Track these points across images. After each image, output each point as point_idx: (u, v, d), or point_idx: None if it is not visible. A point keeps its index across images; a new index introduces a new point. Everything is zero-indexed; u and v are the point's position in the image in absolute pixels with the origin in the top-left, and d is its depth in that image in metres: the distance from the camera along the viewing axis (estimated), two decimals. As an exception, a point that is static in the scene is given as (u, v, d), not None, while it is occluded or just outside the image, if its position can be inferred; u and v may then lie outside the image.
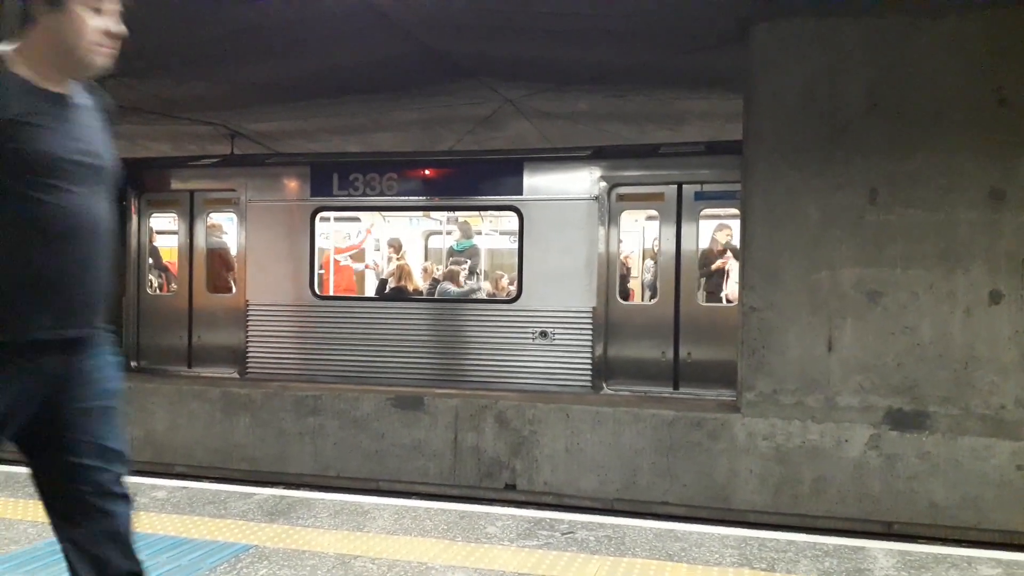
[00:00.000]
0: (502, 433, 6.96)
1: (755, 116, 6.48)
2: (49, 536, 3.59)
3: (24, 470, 4.95)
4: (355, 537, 3.67)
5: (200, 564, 3.32)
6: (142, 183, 9.16)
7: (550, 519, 3.98)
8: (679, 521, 4.75)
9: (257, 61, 7.83)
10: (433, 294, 8.80)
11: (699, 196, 7.72)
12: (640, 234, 10.52)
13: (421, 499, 4.86)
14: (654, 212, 8.14)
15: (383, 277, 9.26)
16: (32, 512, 4.05)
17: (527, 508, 5.10)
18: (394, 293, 8.85)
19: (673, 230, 7.75)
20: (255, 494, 4.50)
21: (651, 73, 8.09)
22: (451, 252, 9.61)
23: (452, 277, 8.94)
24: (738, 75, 6.79)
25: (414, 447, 7.11)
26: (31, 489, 4.68)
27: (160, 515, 4.04)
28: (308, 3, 6.30)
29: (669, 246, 7.77)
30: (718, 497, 6.39)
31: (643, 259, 10.17)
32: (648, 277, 8.23)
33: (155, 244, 9.74)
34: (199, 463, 7.48)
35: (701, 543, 3.63)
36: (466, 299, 8.67)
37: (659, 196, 7.85)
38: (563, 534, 3.71)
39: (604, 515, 4.49)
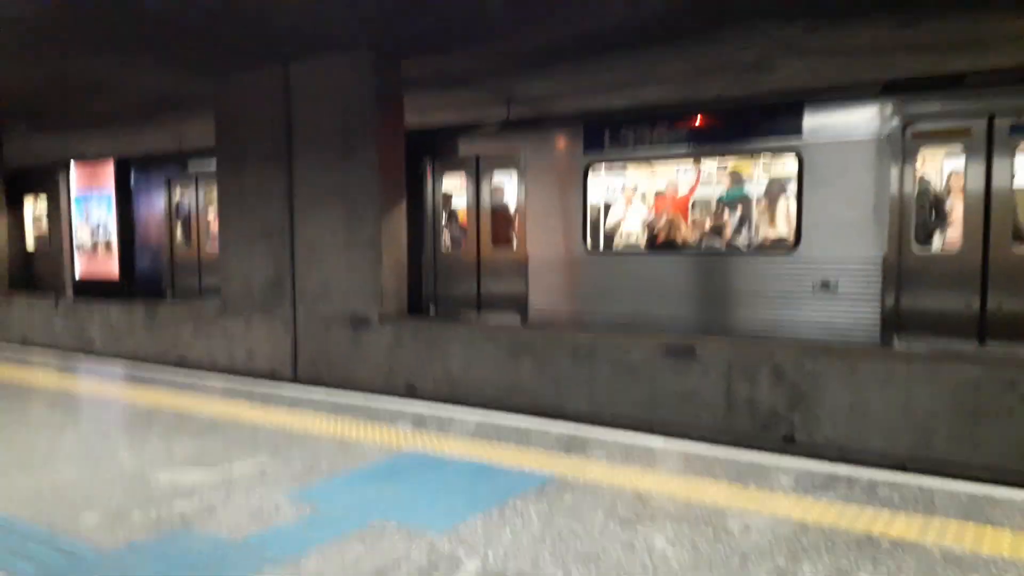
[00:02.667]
0: (778, 386, 6.81)
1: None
2: (387, 456, 4.29)
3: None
4: (648, 475, 3.91)
5: (512, 488, 3.76)
6: (434, 150, 10.11)
7: (847, 474, 3.89)
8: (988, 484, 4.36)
9: (531, 26, 8.18)
10: (702, 246, 8.73)
11: (1015, 129, 6.78)
12: (939, 174, 9.47)
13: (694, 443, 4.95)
14: (958, 150, 7.30)
15: (654, 231, 9.34)
16: (370, 434, 4.82)
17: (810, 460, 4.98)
18: (663, 246, 8.92)
19: (982, 169, 6.91)
20: (551, 430, 4.93)
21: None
22: (720, 202, 9.42)
23: (718, 230, 8.77)
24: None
25: (686, 394, 7.21)
26: (366, 415, 5.48)
27: (474, 441, 4.60)
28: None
29: (976, 186, 6.94)
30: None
31: (940, 201, 9.18)
32: (950, 221, 7.47)
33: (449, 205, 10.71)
34: (489, 398, 8.23)
35: (1025, 510, 3.35)
36: (736, 251, 8.50)
37: (965, 131, 7.01)
38: (862, 490, 3.63)
39: (901, 473, 4.27)
